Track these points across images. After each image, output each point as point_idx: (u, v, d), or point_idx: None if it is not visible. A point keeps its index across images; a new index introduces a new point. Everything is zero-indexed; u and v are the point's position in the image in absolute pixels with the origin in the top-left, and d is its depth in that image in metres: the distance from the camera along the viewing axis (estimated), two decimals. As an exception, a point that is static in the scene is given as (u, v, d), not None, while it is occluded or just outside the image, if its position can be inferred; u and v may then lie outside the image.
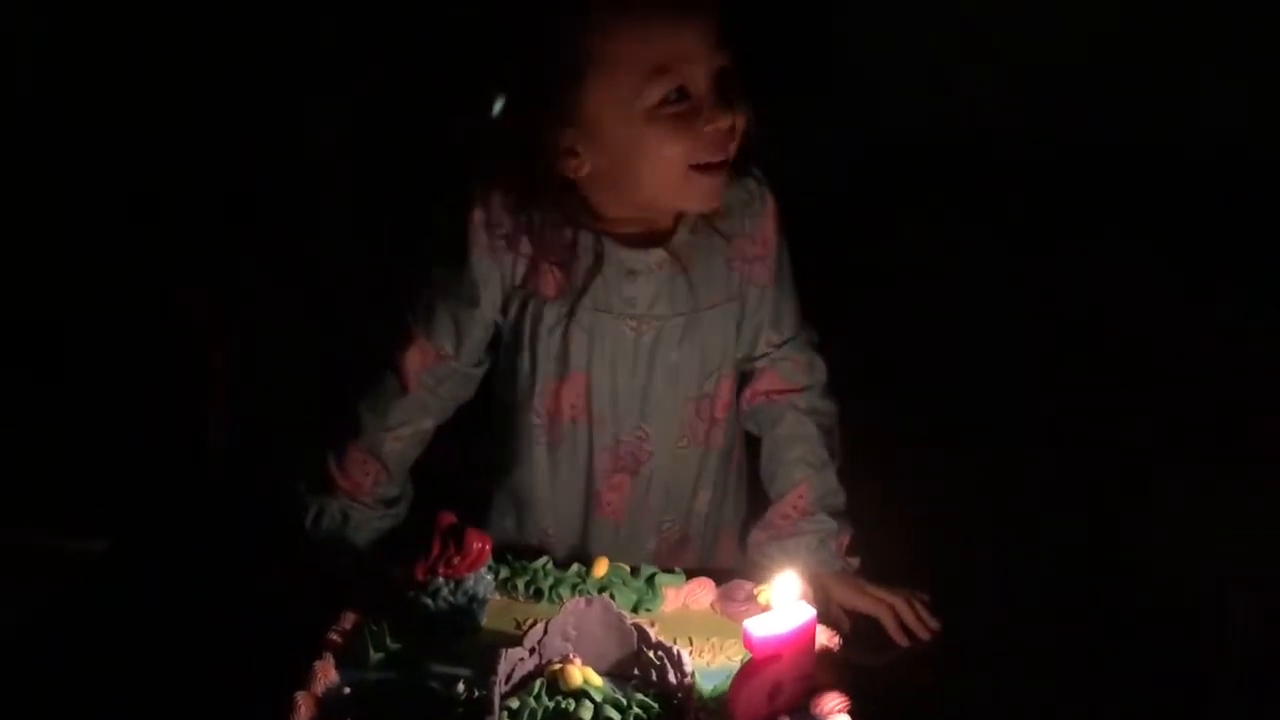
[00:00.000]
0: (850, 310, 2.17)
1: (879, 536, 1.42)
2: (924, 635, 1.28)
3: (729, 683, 1.02)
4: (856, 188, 2.50)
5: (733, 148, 1.25)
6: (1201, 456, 1.97)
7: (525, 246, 1.31)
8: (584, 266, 1.30)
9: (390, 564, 1.17)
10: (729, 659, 1.11)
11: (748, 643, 1.00)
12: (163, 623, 1.24)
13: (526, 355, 1.34)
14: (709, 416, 1.38)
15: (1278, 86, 2.47)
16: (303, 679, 1.03)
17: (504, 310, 1.35)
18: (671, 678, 1.03)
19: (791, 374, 1.42)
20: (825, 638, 1.11)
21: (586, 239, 1.30)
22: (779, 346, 1.42)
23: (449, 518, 1.13)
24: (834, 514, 1.37)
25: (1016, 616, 1.43)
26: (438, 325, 1.34)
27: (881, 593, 1.30)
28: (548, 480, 1.37)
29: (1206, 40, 2.51)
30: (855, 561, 1.36)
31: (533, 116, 1.24)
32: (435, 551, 1.11)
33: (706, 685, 1.05)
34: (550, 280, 1.31)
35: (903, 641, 1.27)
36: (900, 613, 1.28)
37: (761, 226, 1.37)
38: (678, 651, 1.04)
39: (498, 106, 1.28)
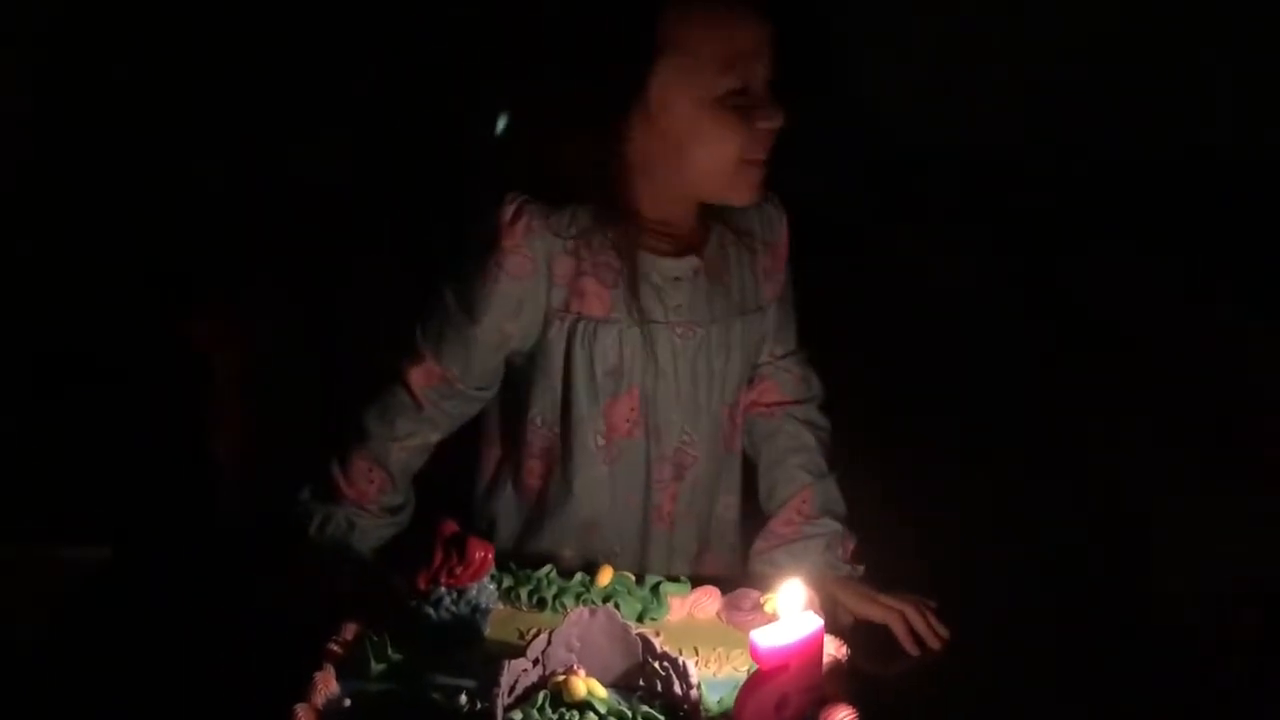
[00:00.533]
0: (854, 317, 2.18)
1: (881, 541, 1.42)
2: (935, 644, 1.27)
3: (735, 694, 1.01)
4: (859, 197, 2.50)
5: (762, 170, 1.30)
6: (1203, 458, 1.96)
7: (563, 268, 1.30)
8: (627, 280, 1.31)
9: (392, 573, 1.15)
10: (735, 669, 1.10)
11: (754, 653, 0.99)
12: (164, 633, 1.23)
13: (582, 378, 1.33)
14: (734, 422, 1.41)
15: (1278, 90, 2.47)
16: (303, 690, 1.02)
17: (542, 337, 1.33)
18: (677, 689, 1.02)
19: (790, 386, 1.45)
20: (833, 648, 1.09)
21: (624, 253, 1.31)
22: (781, 359, 1.45)
23: (451, 526, 1.12)
24: (837, 520, 1.39)
25: (1020, 624, 1.43)
26: (447, 348, 1.33)
27: (891, 600, 1.30)
28: (609, 500, 1.36)
29: (1207, 46, 2.51)
30: (860, 568, 1.37)
31: (597, 92, 1.26)
32: (437, 561, 1.10)
33: (713, 696, 1.04)
34: (595, 300, 1.31)
35: (913, 650, 1.27)
36: (911, 620, 1.28)
37: (777, 242, 1.42)
38: (683, 662, 1.03)
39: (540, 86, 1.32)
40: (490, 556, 1.12)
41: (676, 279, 1.32)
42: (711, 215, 1.36)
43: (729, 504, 1.43)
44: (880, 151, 2.54)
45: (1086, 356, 2.24)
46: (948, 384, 2.17)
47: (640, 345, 1.31)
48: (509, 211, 1.29)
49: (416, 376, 1.34)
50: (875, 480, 1.57)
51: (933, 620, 1.28)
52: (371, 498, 1.34)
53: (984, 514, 1.85)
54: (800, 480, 1.40)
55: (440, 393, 1.35)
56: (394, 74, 2.48)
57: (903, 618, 1.28)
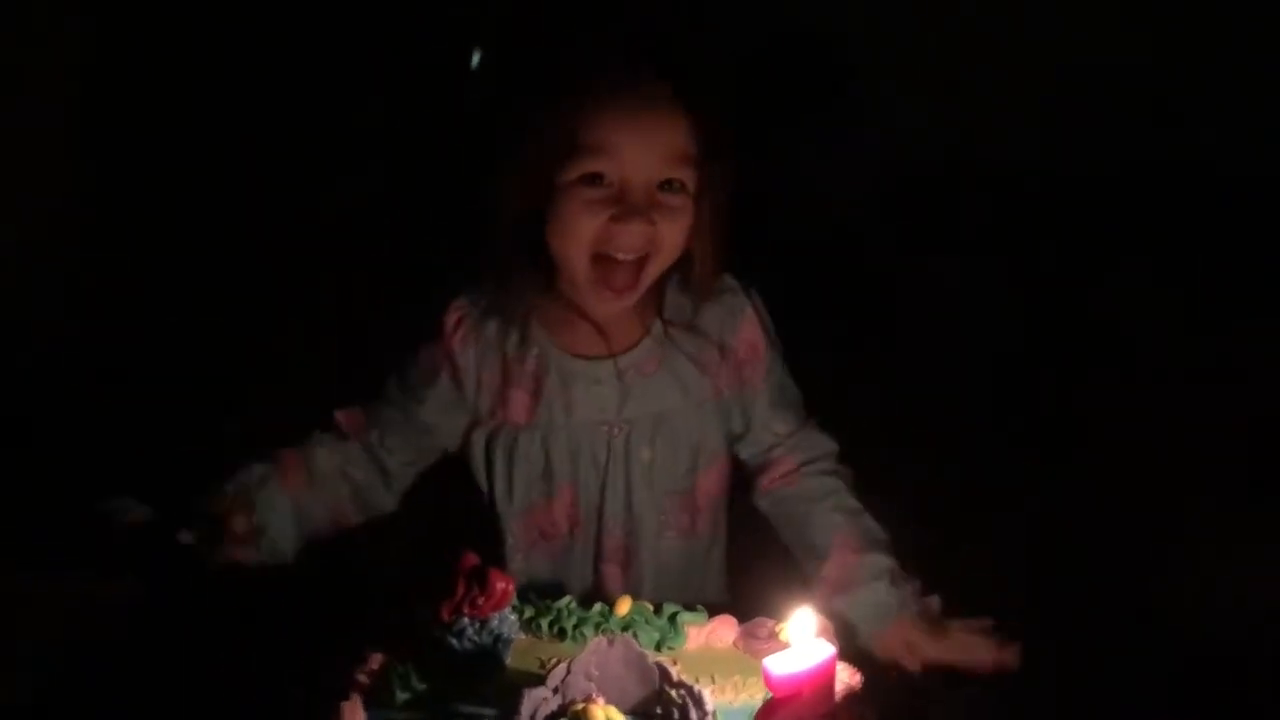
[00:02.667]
0: (869, 339, 2.19)
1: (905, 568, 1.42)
2: (1014, 667, 1.22)
3: (751, 721, 1.03)
4: (875, 217, 2.51)
5: (654, 259, 1.29)
6: (1224, 472, 1.95)
7: (491, 377, 1.37)
8: (551, 386, 1.35)
9: (416, 605, 1.18)
10: (751, 697, 1.11)
11: (768, 681, 1.01)
12: (192, 665, 1.25)
13: (503, 483, 1.39)
14: (691, 506, 1.41)
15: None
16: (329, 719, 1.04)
17: (466, 440, 1.40)
18: (694, 716, 1.03)
19: (802, 454, 1.43)
20: (846, 675, 1.11)
21: (549, 360, 1.36)
22: (789, 436, 1.44)
23: (472, 559, 1.14)
24: (885, 551, 1.34)
25: (1036, 644, 1.43)
26: (381, 413, 1.39)
27: (960, 633, 1.25)
28: (548, 574, 1.40)
29: (1226, 61, 2.51)
30: (935, 601, 1.30)
31: (497, 171, 1.30)
32: (460, 592, 1.12)
33: (729, 724, 1.06)
34: (519, 407, 1.36)
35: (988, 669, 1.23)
36: (988, 653, 1.23)
37: (744, 335, 1.41)
38: (699, 690, 1.05)
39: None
40: (511, 588, 1.15)
41: (599, 381, 1.36)
42: (656, 309, 1.38)
43: (695, 586, 1.42)
44: (894, 170, 2.55)
45: (1112, 380, 2.24)
46: (963, 399, 2.18)
47: (565, 447, 1.36)
48: (452, 320, 1.37)
49: (342, 416, 1.39)
50: (885, 498, 1.58)
51: (1007, 647, 1.23)
52: (292, 489, 1.34)
53: (1002, 532, 1.85)
54: (834, 521, 1.37)
55: (359, 435, 1.38)
56: (420, 111, 2.53)
57: (985, 649, 1.23)
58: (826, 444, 1.45)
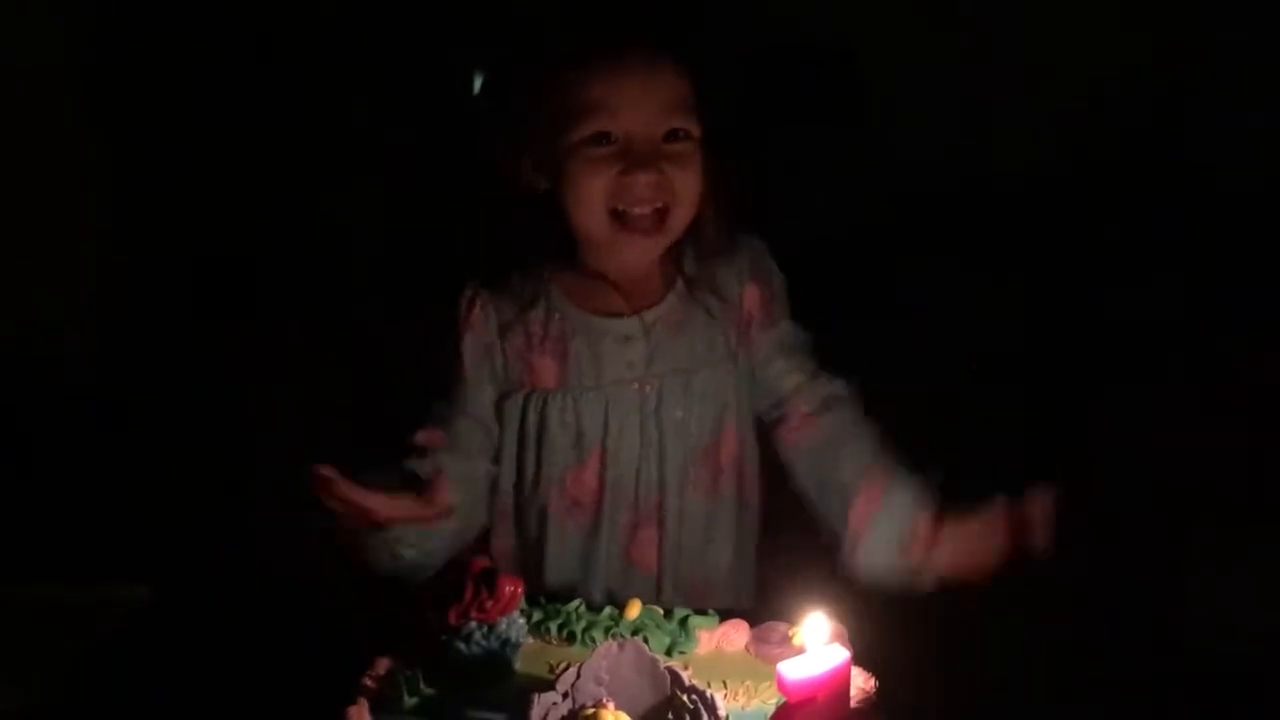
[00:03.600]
0: (879, 351, 2.18)
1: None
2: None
3: (764, 726, 1.01)
4: (884, 231, 2.51)
5: (675, 211, 1.30)
6: (1237, 492, 1.94)
7: (515, 347, 1.36)
8: (578, 347, 1.35)
9: (424, 608, 1.17)
10: (764, 702, 1.10)
11: (782, 686, 0.99)
12: (201, 669, 1.25)
13: (533, 452, 1.37)
14: (714, 464, 1.40)
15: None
16: (337, 725, 1.03)
17: (499, 410, 1.38)
18: (705, 721, 1.02)
19: (816, 395, 1.42)
20: (861, 680, 1.10)
21: (574, 322, 1.36)
22: (799, 385, 1.42)
23: (481, 562, 1.13)
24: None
25: (1049, 660, 1.41)
26: (457, 428, 1.35)
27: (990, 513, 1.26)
28: (579, 561, 1.38)
29: (1235, 75, 2.51)
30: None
31: (501, 141, 1.32)
32: (468, 596, 1.11)
33: (741, 729, 1.04)
34: (547, 373, 1.36)
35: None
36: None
37: (751, 290, 1.41)
38: (711, 695, 1.03)
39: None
40: (520, 591, 1.13)
41: (628, 337, 1.35)
42: (676, 266, 1.38)
43: (721, 551, 1.41)
44: (903, 184, 2.55)
45: (1127, 395, 2.22)
46: (966, 406, 2.17)
47: (597, 408, 1.35)
48: (465, 300, 1.37)
49: (423, 436, 1.33)
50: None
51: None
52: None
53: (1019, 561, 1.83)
54: (860, 460, 1.36)
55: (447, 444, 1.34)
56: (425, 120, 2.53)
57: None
58: (836, 387, 1.43)
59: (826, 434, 1.39)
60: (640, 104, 1.26)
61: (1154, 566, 1.80)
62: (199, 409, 2.31)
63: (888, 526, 1.30)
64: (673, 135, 1.28)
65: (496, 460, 1.38)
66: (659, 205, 1.29)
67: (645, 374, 1.36)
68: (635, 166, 1.26)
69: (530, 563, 1.39)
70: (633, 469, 1.37)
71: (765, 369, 1.42)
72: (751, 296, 1.41)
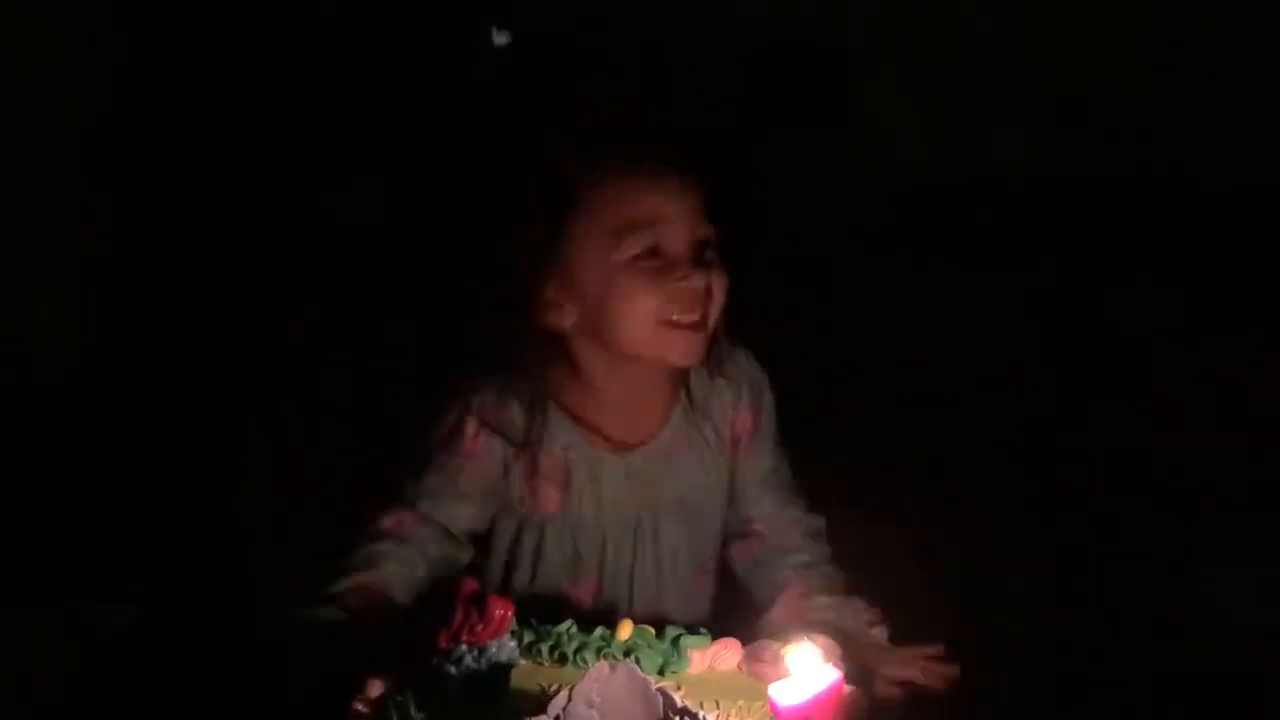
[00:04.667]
0: (877, 351, 2.17)
1: (903, 575, 1.40)
2: (940, 684, 1.23)
3: (756, 748, 1.01)
4: (879, 228, 2.50)
5: (712, 311, 1.30)
6: (1236, 481, 1.94)
7: (519, 472, 1.36)
8: (580, 479, 1.35)
9: (414, 632, 1.16)
10: (756, 722, 1.09)
11: (774, 708, 0.99)
12: (190, 690, 1.24)
13: (526, 567, 1.39)
14: (711, 569, 1.43)
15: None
16: (328, 750, 1.03)
17: (495, 523, 1.39)
18: (698, 744, 1.01)
19: (782, 525, 1.43)
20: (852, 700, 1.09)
21: (578, 452, 1.35)
22: (769, 515, 1.43)
23: (471, 584, 1.12)
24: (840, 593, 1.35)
25: (1048, 657, 1.41)
26: (425, 501, 1.36)
27: (906, 653, 1.26)
28: None
29: (1231, 72, 2.50)
30: (881, 633, 1.31)
31: (521, 265, 1.31)
32: (458, 619, 1.10)
33: (734, 751, 1.04)
34: (548, 499, 1.36)
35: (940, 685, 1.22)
36: (922, 679, 1.23)
37: (743, 413, 1.41)
38: (703, 717, 1.03)
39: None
40: (511, 614, 1.12)
41: (628, 473, 1.36)
42: (679, 388, 1.38)
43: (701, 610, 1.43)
44: (898, 182, 2.54)
45: (1124, 396, 2.22)
46: (971, 411, 2.16)
47: (595, 534, 1.36)
48: (467, 433, 1.35)
49: (396, 519, 1.35)
50: (893, 510, 1.56)
51: (939, 666, 1.24)
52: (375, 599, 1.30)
53: (1009, 544, 1.83)
54: (788, 571, 1.38)
55: (412, 541, 1.35)
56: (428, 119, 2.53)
57: (920, 667, 1.24)
58: (808, 521, 1.43)
59: (771, 550, 1.41)
60: (680, 215, 1.28)
61: (1153, 566, 1.80)
62: (192, 413, 2.30)
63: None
64: (704, 244, 1.29)
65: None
66: (703, 313, 1.29)
67: (646, 504, 1.37)
68: (691, 273, 1.27)
69: None
70: (626, 583, 1.38)
71: (744, 495, 1.43)
72: (743, 420, 1.41)
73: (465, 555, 1.40)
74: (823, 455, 1.52)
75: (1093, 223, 2.50)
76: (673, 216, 1.27)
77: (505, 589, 1.39)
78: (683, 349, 1.31)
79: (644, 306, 1.27)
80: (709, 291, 1.29)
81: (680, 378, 1.38)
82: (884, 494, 1.59)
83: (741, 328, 1.40)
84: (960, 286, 2.41)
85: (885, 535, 1.47)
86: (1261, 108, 2.48)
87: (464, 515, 1.38)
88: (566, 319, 1.32)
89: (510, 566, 1.40)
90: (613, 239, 1.27)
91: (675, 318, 1.28)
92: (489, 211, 1.39)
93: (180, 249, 2.55)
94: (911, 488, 1.90)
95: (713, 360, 1.37)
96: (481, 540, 1.42)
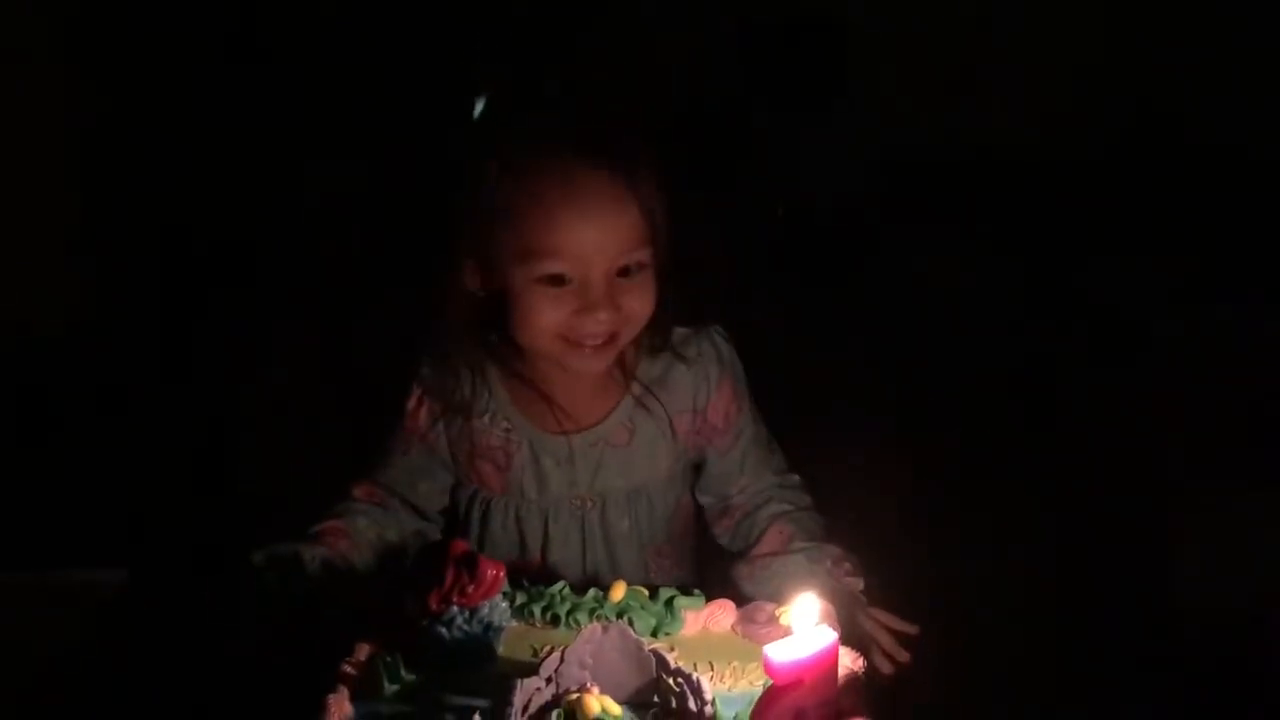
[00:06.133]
0: (870, 324, 2.16)
1: (889, 550, 1.39)
2: (887, 669, 1.21)
3: (751, 709, 0.99)
4: (872, 200, 2.49)
5: (626, 330, 1.27)
6: (1234, 465, 1.93)
7: (463, 451, 1.37)
8: (521, 461, 1.35)
9: (404, 594, 1.15)
10: (751, 684, 1.08)
11: (769, 668, 0.98)
12: (178, 655, 1.23)
13: (476, 544, 1.37)
14: (671, 551, 1.42)
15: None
16: (316, 712, 1.01)
17: (452, 496, 1.41)
18: (692, 705, 1.01)
19: (765, 495, 1.42)
20: (849, 661, 1.08)
21: (520, 433, 1.35)
22: (751, 487, 1.41)
23: (462, 545, 1.11)
24: (821, 540, 1.35)
25: (1039, 630, 1.40)
26: (388, 486, 1.38)
27: (874, 619, 1.24)
28: None
29: (1223, 41, 2.49)
30: (857, 582, 1.30)
31: (451, 240, 1.29)
32: (449, 580, 1.09)
33: (728, 712, 1.03)
34: (492, 479, 1.37)
35: (885, 669, 1.21)
36: (881, 642, 1.22)
37: (717, 401, 1.39)
38: (697, 678, 1.02)
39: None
40: (502, 575, 1.12)
41: (571, 457, 1.35)
42: (626, 373, 1.36)
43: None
44: (888, 153, 2.53)
45: (1116, 365, 2.21)
46: (958, 386, 2.15)
47: (537, 520, 1.36)
48: (413, 401, 1.36)
49: (368, 489, 1.37)
50: (879, 484, 1.55)
51: (895, 646, 1.22)
52: (337, 554, 1.31)
53: (998, 519, 1.83)
54: (774, 522, 1.37)
55: (383, 509, 1.37)
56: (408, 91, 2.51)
57: (885, 635, 1.23)
58: (784, 480, 1.42)
59: (752, 508, 1.40)
60: (599, 248, 1.22)
61: (1145, 543, 1.79)
62: (180, 396, 2.29)
63: (771, 572, 1.32)
64: (626, 270, 1.25)
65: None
66: (612, 333, 1.27)
67: (589, 490, 1.36)
68: (591, 308, 1.23)
69: None
70: (576, 572, 1.37)
71: (722, 477, 1.41)
72: (718, 406, 1.39)
73: (434, 530, 1.41)
74: (817, 440, 1.51)
75: (1089, 196, 2.49)
76: (588, 248, 1.22)
77: None
78: (583, 364, 1.29)
79: (544, 325, 1.25)
80: (623, 313, 1.25)
81: (626, 368, 1.36)
82: (865, 462, 1.57)
83: (727, 304, 1.39)
84: (955, 260, 2.40)
85: (864, 504, 1.45)
86: (1260, 82, 2.47)
87: (424, 490, 1.39)
88: (479, 290, 1.30)
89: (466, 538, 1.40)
90: (522, 255, 1.23)
91: (576, 338, 1.26)
92: (440, 178, 1.34)
93: (166, 232, 2.54)
94: (905, 461, 1.89)
95: (655, 345, 1.35)
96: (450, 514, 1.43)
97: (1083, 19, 2.58)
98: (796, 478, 1.43)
